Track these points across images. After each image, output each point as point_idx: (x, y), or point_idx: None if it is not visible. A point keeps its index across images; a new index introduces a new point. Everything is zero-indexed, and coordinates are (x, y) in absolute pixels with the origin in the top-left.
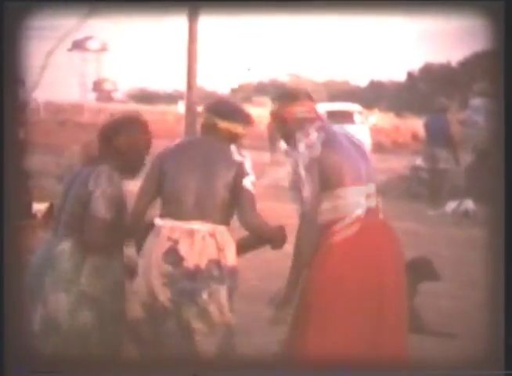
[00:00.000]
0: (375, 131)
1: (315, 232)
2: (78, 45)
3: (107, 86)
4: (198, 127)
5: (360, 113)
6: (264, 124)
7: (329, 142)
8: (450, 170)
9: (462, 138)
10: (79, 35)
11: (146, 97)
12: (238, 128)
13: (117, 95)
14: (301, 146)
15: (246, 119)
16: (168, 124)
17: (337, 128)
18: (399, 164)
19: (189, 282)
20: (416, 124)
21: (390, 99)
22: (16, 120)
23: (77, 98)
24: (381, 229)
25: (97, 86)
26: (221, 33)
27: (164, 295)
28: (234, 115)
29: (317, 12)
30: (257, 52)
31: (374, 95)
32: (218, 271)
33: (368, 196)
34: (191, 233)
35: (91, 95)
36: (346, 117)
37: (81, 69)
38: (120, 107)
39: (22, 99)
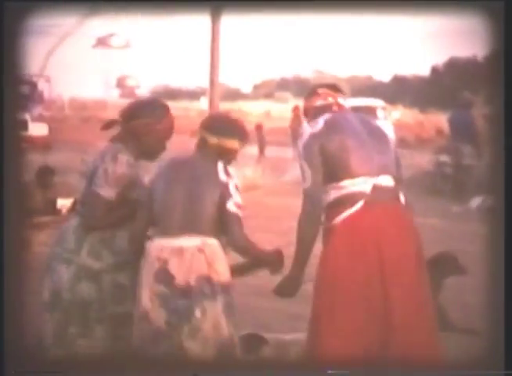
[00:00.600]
0: (399, 126)
1: (316, 223)
2: (102, 42)
3: (130, 83)
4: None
5: (383, 108)
6: (287, 120)
7: (335, 123)
8: (475, 165)
9: (487, 133)
10: (103, 32)
11: (168, 93)
12: (232, 144)
13: (140, 91)
14: (306, 131)
15: (240, 134)
16: (191, 120)
17: (355, 115)
18: (423, 159)
19: (181, 301)
20: (441, 120)
21: (414, 95)
22: (16, 119)
23: (101, 94)
24: (390, 211)
25: (120, 83)
26: (244, 29)
27: (160, 317)
28: (227, 130)
29: (340, 9)
30: (281, 48)
31: (398, 91)
32: (209, 287)
33: (377, 188)
34: (180, 251)
35: (115, 92)
36: (369, 112)
37: (104, 66)
38: None
39: (46, 96)
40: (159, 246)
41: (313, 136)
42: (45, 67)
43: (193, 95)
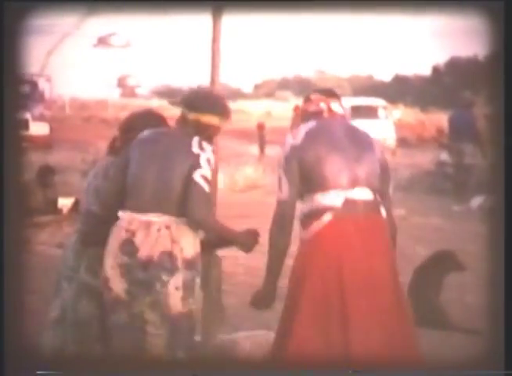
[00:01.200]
0: (400, 126)
1: (286, 235)
2: (103, 42)
3: (131, 82)
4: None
5: (384, 108)
6: (287, 120)
7: (316, 134)
8: (475, 165)
9: (487, 133)
10: (103, 32)
11: (169, 93)
12: (212, 120)
13: (141, 91)
14: (287, 142)
15: (220, 110)
16: None
17: (342, 123)
18: (424, 159)
19: (142, 273)
20: (442, 119)
21: (415, 94)
22: (16, 119)
23: (102, 94)
24: (361, 225)
25: (121, 82)
26: (245, 29)
27: (119, 286)
28: (206, 106)
29: (341, 8)
30: (282, 47)
31: (399, 90)
32: (169, 263)
33: (350, 201)
34: (148, 225)
35: (116, 92)
36: (370, 112)
37: (105, 65)
38: (144, 103)
39: (47, 95)
40: (129, 218)
41: (293, 148)
42: (45, 67)
43: None
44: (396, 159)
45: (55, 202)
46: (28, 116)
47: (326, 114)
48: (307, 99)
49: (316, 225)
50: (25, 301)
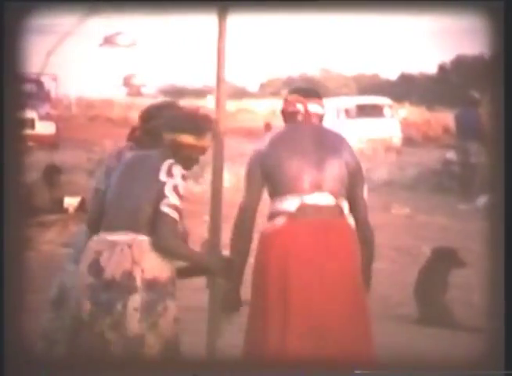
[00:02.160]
0: (406, 124)
1: (246, 236)
2: (109, 41)
3: (137, 81)
4: (226, 122)
5: (390, 106)
6: None
7: (280, 139)
8: (481, 164)
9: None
10: (109, 31)
11: (175, 92)
12: (187, 139)
13: (147, 90)
14: (254, 147)
15: (197, 129)
16: None
17: (312, 127)
18: (430, 157)
19: (104, 293)
20: (448, 118)
21: (421, 93)
22: (17, 118)
23: (108, 93)
24: (315, 229)
25: (127, 81)
26: (250, 28)
27: (84, 307)
28: (182, 125)
29: (346, 7)
30: (287, 46)
31: (405, 89)
32: (129, 282)
33: (306, 206)
34: (112, 245)
35: (122, 91)
36: (376, 111)
37: (111, 64)
38: (149, 102)
39: (53, 94)
40: (98, 238)
41: (257, 153)
42: (46, 66)
43: (200, 93)
44: (402, 158)
45: (61, 201)
46: (34, 115)
47: (300, 116)
48: (285, 100)
49: (270, 228)
50: (25, 302)
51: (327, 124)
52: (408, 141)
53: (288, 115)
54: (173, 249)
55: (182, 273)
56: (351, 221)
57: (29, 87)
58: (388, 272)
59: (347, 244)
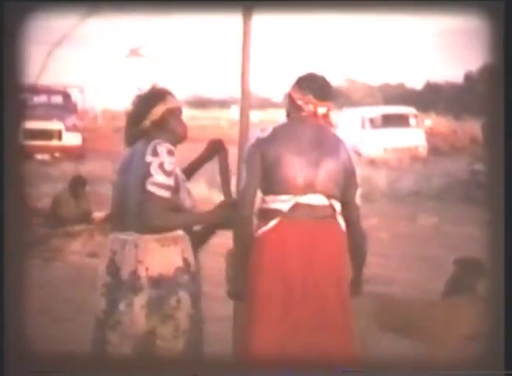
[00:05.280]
0: (431, 134)
1: (248, 225)
2: (134, 53)
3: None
4: (251, 132)
5: (415, 116)
6: None
7: (282, 133)
8: None
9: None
10: (134, 43)
11: (200, 102)
12: (158, 110)
13: None
14: (254, 135)
15: (158, 97)
16: (222, 130)
17: (313, 128)
18: (457, 167)
19: (118, 292)
20: (475, 128)
21: (447, 102)
22: (16, 122)
23: None
24: (307, 229)
25: None
26: (274, 39)
27: (99, 306)
28: (149, 103)
29: (371, 13)
30: (312, 56)
31: (431, 98)
32: (134, 282)
33: (299, 206)
34: (124, 243)
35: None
36: (401, 120)
37: (136, 76)
38: None
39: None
40: (113, 237)
41: (258, 141)
42: (46, 67)
43: (224, 104)
44: (428, 167)
45: (87, 212)
46: (62, 126)
47: (305, 113)
48: (300, 93)
49: (263, 227)
50: (25, 301)
51: (353, 134)
52: (434, 151)
53: (295, 107)
54: (164, 225)
55: (197, 242)
56: (342, 223)
57: (56, 99)
58: (415, 282)
59: (338, 246)
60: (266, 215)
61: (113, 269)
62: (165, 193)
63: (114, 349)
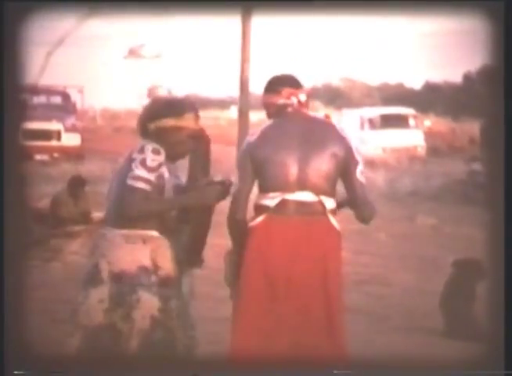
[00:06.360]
0: (430, 134)
1: (240, 223)
2: (133, 53)
3: (161, 92)
4: (250, 132)
5: (414, 117)
6: None
7: (271, 133)
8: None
9: None
10: (134, 42)
11: (199, 102)
12: (167, 123)
13: None
14: (246, 139)
15: (175, 111)
16: (221, 130)
17: (304, 122)
18: (455, 168)
19: (116, 286)
20: (473, 128)
21: (446, 102)
22: (15, 122)
23: (132, 104)
24: (295, 226)
25: (151, 93)
26: (273, 40)
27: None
28: (161, 111)
29: (370, 13)
30: (310, 56)
31: (430, 98)
32: (95, 274)
33: (287, 203)
34: (100, 238)
35: (146, 102)
36: (400, 121)
37: (135, 76)
38: None
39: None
40: (98, 233)
41: (248, 145)
42: (45, 67)
43: (223, 104)
44: (427, 168)
45: (86, 212)
46: (61, 127)
47: (291, 109)
48: (275, 91)
49: (252, 223)
50: (25, 302)
51: (352, 134)
52: (433, 151)
53: (278, 107)
54: (139, 211)
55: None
56: (333, 219)
57: (55, 99)
58: (413, 282)
59: (324, 242)
60: (256, 210)
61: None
62: (143, 185)
63: (67, 339)
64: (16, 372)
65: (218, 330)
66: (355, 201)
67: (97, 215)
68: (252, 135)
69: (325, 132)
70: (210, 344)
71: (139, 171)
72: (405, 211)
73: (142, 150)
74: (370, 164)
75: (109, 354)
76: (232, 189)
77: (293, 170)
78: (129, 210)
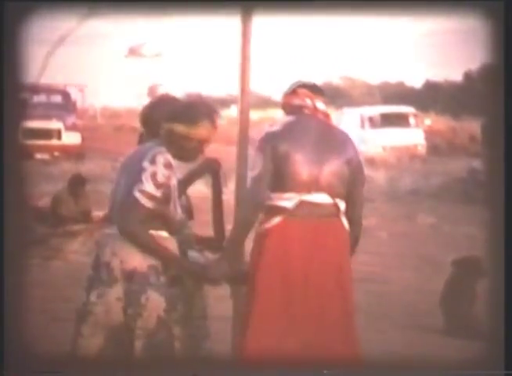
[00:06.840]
0: (431, 133)
1: (255, 210)
2: (134, 51)
3: (162, 91)
4: (251, 131)
5: (415, 115)
6: None
7: (291, 129)
8: None
9: None
10: (135, 41)
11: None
12: (177, 128)
13: None
14: (264, 129)
15: (189, 118)
16: (221, 128)
17: (320, 125)
18: (456, 166)
19: (94, 285)
20: (474, 127)
21: (446, 101)
22: (16, 121)
23: (133, 103)
24: (311, 228)
25: (152, 91)
26: (274, 38)
27: (81, 299)
28: (176, 115)
29: (371, 12)
30: (311, 55)
31: (430, 97)
32: (108, 273)
33: (304, 204)
34: (107, 238)
35: (147, 101)
36: (400, 120)
37: (136, 74)
38: None
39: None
40: (101, 232)
41: (269, 134)
42: (45, 67)
43: (224, 103)
44: (427, 166)
45: (86, 211)
46: (61, 125)
47: (307, 111)
48: (292, 92)
49: (268, 224)
50: (25, 301)
51: (352, 133)
52: (433, 150)
53: (294, 108)
54: (136, 236)
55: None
56: (345, 222)
57: (56, 98)
58: (413, 280)
59: (339, 244)
60: (271, 211)
61: (97, 262)
62: (148, 203)
63: (85, 341)
64: (16, 372)
65: (218, 329)
66: (351, 216)
67: (97, 213)
68: (272, 126)
69: (341, 139)
70: (210, 344)
71: (148, 186)
72: (405, 210)
73: (153, 161)
74: (370, 162)
75: (111, 354)
76: (252, 174)
77: (310, 170)
78: (126, 227)
